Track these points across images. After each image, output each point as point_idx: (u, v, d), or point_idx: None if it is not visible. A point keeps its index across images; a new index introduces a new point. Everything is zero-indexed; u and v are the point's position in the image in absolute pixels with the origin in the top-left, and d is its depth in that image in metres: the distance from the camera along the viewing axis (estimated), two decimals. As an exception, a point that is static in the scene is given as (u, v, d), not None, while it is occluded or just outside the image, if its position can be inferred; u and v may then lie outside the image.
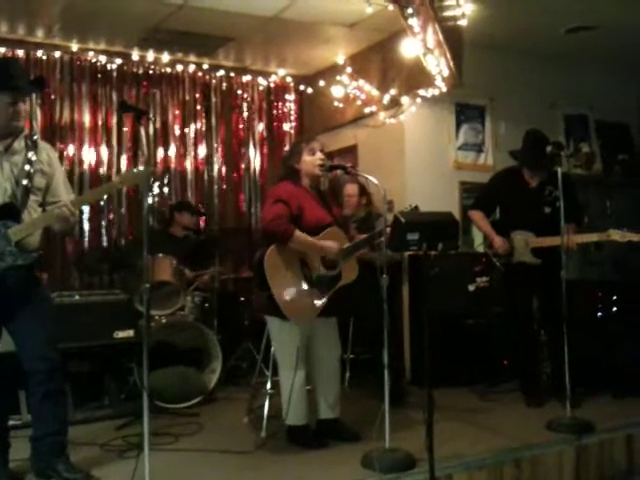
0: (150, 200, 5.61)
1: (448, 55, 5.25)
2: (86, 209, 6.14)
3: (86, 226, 6.16)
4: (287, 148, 6.68)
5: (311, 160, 3.82)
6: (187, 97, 6.72)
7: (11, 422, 3.55)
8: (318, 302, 3.69)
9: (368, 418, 3.92)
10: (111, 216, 6.28)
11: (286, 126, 7.26)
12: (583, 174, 6.68)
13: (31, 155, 3.24)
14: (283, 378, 3.81)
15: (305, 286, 3.68)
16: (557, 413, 4.13)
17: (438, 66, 5.37)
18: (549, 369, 4.81)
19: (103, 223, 6.26)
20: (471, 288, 4.97)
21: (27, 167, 3.21)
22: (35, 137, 3.30)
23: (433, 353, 3.28)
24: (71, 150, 6.14)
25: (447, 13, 5.10)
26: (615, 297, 5.07)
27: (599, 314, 5.09)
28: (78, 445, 3.72)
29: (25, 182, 3.19)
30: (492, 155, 6.28)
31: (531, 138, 4.72)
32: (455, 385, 5.07)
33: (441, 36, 5.13)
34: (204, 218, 6.61)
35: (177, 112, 6.67)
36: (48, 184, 3.31)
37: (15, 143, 3.24)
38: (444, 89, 5.61)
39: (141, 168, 3.13)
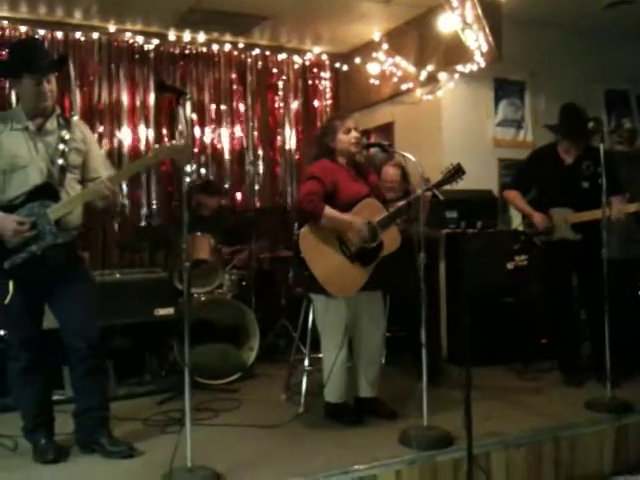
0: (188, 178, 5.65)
1: (487, 30, 5.17)
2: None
3: (127, 205, 6.26)
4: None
5: (347, 139, 3.80)
6: (223, 76, 6.74)
7: (55, 397, 3.64)
8: (362, 275, 3.67)
9: (405, 396, 3.95)
10: (152, 195, 6.37)
11: (322, 104, 7.24)
12: (625, 150, 6.54)
13: (64, 134, 3.26)
14: (326, 355, 3.81)
15: (345, 261, 3.65)
16: (597, 393, 4.08)
17: (477, 41, 5.29)
18: (589, 348, 4.75)
19: (144, 201, 6.36)
20: (509, 266, 4.91)
21: (61, 146, 3.24)
22: (76, 116, 3.33)
23: (471, 331, 3.26)
24: (110, 131, 6.21)
25: (485, -13, 5.02)
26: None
27: (640, 293, 5.01)
28: (121, 420, 3.81)
29: (60, 161, 3.22)
30: (532, 131, 6.18)
31: (567, 110, 4.63)
32: (493, 364, 5.03)
33: (480, 10, 5.05)
34: (241, 196, 6.64)
35: (213, 91, 6.70)
36: (84, 161, 3.34)
37: (47, 123, 3.26)
38: (483, 64, 5.53)
39: (174, 142, 3.12)
